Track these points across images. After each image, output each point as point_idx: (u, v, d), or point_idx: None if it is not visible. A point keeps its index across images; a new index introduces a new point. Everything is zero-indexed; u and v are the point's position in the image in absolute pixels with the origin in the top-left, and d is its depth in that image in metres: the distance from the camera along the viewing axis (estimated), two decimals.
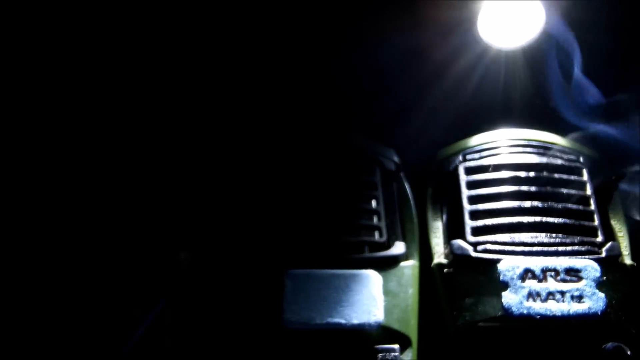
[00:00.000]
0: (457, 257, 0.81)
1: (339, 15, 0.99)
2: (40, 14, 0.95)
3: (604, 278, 0.78)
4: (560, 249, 0.81)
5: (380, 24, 0.99)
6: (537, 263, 0.79)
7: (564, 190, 0.85)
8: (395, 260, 0.82)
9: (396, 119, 0.98)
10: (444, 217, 0.87)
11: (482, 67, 0.99)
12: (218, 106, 0.99)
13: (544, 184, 0.86)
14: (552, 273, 0.78)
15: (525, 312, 0.76)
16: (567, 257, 0.80)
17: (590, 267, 0.79)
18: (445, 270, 0.81)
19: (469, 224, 0.83)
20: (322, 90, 1.01)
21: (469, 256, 0.81)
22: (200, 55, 0.99)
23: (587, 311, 0.76)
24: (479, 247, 0.81)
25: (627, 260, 0.82)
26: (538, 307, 0.76)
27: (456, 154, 0.91)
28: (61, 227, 0.81)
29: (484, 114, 1.00)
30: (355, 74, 1.02)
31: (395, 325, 0.77)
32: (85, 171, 0.86)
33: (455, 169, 0.89)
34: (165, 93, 0.99)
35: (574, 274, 0.78)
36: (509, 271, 0.79)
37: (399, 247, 0.83)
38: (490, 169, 0.88)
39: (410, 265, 0.82)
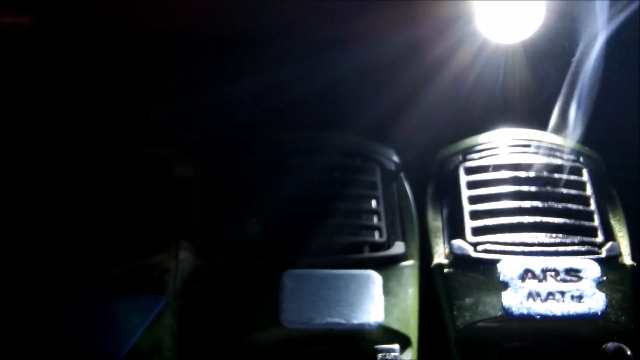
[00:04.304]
0: (457, 257, 0.81)
1: (334, 11, 1.00)
2: None
3: (604, 278, 0.78)
4: (560, 249, 0.81)
5: (377, 19, 0.99)
6: (537, 263, 0.79)
7: (564, 190, 0.85)
8: (395, 260, 0.82)
9: (395, 117, 0.98)
10: (444, 217, 0.87)
11: (481, 63, 0.98)
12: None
13: (543, 184, 0.86)
14: (552, 273, 0.78)
15: (525, 312, 0.76)
16: (567, 257, 0.80)
17: (590, 267, 0.79)
18: (445, 270, 0.81)
19: (469, 224, 0.83)
20: (320, 90, 1.01)
21: (469, 256, 0.81)
22: None
23: (587, 311, 0.76)
24: (479, 247, 0.81)
25: (627, 260, 0.82)
26: (538, 307, 0.76)
27: (456, 154, 0.91)
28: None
29: (482, 111, 1.00)
30: (353, 72, 1.02)
31: (395, 325, 0.77)
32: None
33: (455, 169, 0.89)
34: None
35: (574, 274, 0.78)
36: (509, 271, 0.79)
37: (399, 247, 0.83)
38: (490, 169, 0.88)
39: (410, 265, 0.82)
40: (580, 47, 0.90)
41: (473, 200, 0.85)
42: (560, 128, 0.92)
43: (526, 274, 0.78)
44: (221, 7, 0.99)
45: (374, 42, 1.00)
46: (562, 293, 0.77)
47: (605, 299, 0.76)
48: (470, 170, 0.88)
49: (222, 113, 0.99)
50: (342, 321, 0.76)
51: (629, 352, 0.73)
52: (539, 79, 1.00)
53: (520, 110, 1.01)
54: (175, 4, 0.99)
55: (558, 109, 0.92)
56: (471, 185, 0.87)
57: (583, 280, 0.78)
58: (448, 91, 0.99)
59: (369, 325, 0.76)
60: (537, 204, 0.84)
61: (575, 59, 0.90)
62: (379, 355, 0.75)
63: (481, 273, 0.80)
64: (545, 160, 0.88)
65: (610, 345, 0.74)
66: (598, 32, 0.87)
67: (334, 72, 1.01)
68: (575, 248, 0.81)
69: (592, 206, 0.85)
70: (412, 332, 0.77)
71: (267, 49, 1.01)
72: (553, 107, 0.93)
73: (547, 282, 0.78)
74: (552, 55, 0.96)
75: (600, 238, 0.82)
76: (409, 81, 0.99)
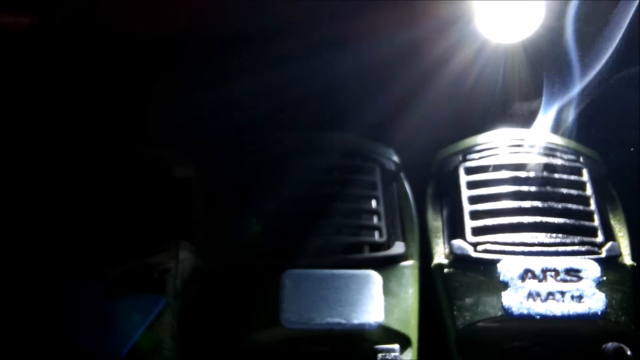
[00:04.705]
0: (457, 257, 0.81)
1: (334, 11, 0.99)
2: None
3: (604, 278, 0.78)
4: (560, 249, 0.81)
5: (377, 19, 0.99)
6: (537, 263, 0.79)
7: (564, 190, 0.85)
8: (395, 260, 0.82)
9: (395, 117, 0.98)
10: (444, 217, 0.87)
11: (481, 63, 0.98)
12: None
13: (543, 184, 0.86)
14: (552, 273, 0.78)
15: (525, 312, 0.76)
16: (567, 257, 0.80)
17: (590, 267, 0.79)
18: (445, 270, 0.81)
19: (469, 224, 0.83)
20: (320, 90, 1.01)
21: (469, 256, 0.81)
22: None
23: (587, 311, 0.76)
24: (479, 247, 0.81)
25: (627, 260, 0.82)
26: (538, 307, 0.76)
27: (456, 154, 0.91)
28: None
29: (482, 111, 1.00)
30: (353, 72, 1.02)
31: (395, 325, 0.77)
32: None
33: (456, 169, 0.89)
34: None
35: (574, 274, 0.78)
36: (509, 271, 0.79)
37: (399, 247, 0.83)
38: (490, 169, 0.88)
39: (410, 265, 0.82)
40: (580, 47, 0.90)
41: (473, 200, 0.85)
42: (559, 128, 0.93)
43: (526, 274, 0.78)
44: (221, 7, 0.99)
45: (374, 42, 1.00)
46: (562, 293, 0.77)
47: (605, 299, 0.77)
48: (470, 170, 0.88)
49: (222, 113, 0.99)
50: (342, 321, 0.76)
51: (629, 352, 0.73)
52: (539, 79, 1.00)
53: (520, 110, 1.00)
54: (175, 4, 0.99)
55: (558, 109, 0.92)
56: (471, 185, 0.87)
57: (583, 280, 0.78)
58: (448, 91, 0.99)
59: (369, 325, 0.76)
60: (537, 204, 0.84)
61: (575, 59, 0.90)
62: (379, 355, 0.75)
63: (481, 273, 0.80)
64: (545, 160, 0.88)
65: (610, 345, 0.74)
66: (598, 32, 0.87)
67: (334, 72, 1.01)
68: (575, 248, 0.81)
69: (592, 206, 0.85)
70: (412, 332, 0.77)
71: (267, 49, 1.01)
72: (553, 107, 0.93)
73: (547, 282, 0.78)
74: (552, 55, 0.96)
75: (600, 238, 0.82)
76: (409, 81, 0.99)
